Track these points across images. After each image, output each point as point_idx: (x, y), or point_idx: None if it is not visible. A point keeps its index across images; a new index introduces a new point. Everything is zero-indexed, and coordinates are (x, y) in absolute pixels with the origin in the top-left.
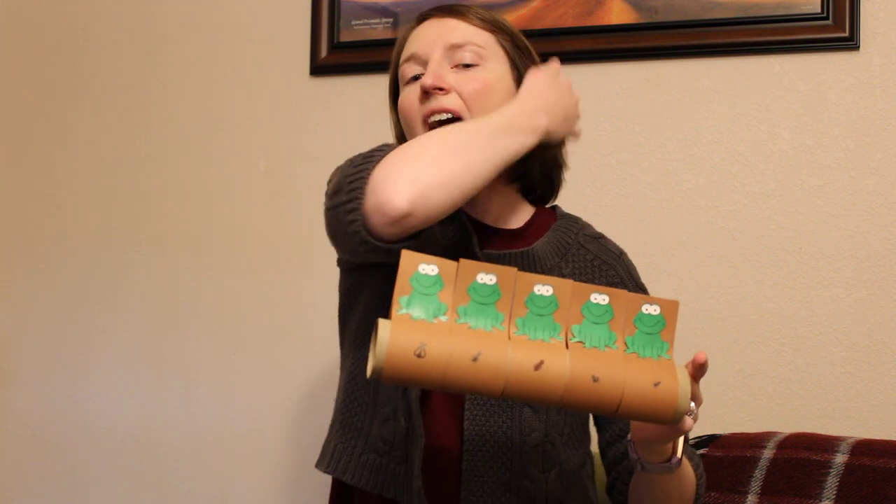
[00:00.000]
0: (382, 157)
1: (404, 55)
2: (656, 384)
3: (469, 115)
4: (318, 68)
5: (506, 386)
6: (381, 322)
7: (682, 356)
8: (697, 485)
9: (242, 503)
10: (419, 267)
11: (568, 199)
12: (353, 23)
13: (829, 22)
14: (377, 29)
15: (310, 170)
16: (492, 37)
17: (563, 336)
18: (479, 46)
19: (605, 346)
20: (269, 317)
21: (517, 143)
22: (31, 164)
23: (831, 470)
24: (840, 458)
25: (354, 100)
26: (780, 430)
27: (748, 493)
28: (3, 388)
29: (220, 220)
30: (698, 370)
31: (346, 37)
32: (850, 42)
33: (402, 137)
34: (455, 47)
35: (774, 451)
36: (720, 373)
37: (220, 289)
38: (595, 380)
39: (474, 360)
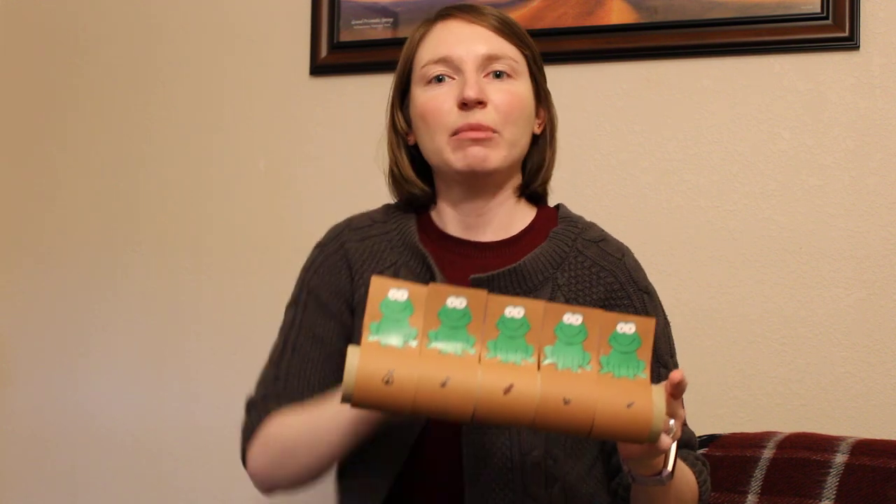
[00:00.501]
0: (257, 421)
1: (431, 55)
2: (629, 405)
3: (502, 131)
4: (318, 68)
5: (476, 410)
6: (351, 349)
7: (682, 357)
8: (700, 492)
9: (242, 503)
10: (389, 292)
11: (568, 199)
12: (353, 23)
13: (829, 22)
14: (377, 29)
15: (310, 170)
16: (520, 52)
17: (535, 358)
18: (514, 60)
19: (579, 366)
20: (269, 317)
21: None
22: (31, 164)
23: (831, 470)
24: (840, 458)
25: (354, 100)
26: (780, 430)
27: (748, 493)
28: (3, 388)
29: (220, 220)
30: (676, 388)
31: (346, 37)
32: (850, 42)
33: (398, 137)
34: (491, 58)
35: (774, 450)
36: (720, 373)
37: (220, 289)
38: (566, 402)
39: (443, 385)
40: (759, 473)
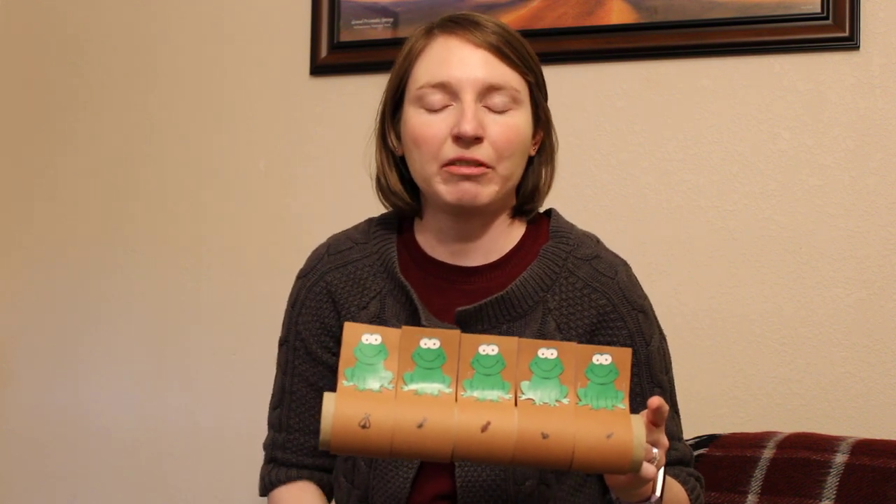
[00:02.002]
0: (271, 477)
1: (428, 77)
2: (609, 436)
3: (497, 167)
4: (318, 68)
5: (454, 450)
6: (327, 395)
7: (682, 357)
8: None
9: (242, 503)
10: (362, 338)
11: (568, 199)
12: (353, 23)
13: (829, 22)
14: (377, 29)
15: (310, 170)
16: (523, 79)
17: (512, 394)
18: (515, 90)
19: (556, 400)
20: (269, 317)
21: None
22: (31, 164)
23: (831, 470)
24: (840, 458)
25: (354, 100)
26: (780, 430)
27: (748, 493)
28: (3, 388)
29: (219, 221)
30: (655, 415)
31: (346, 37)
32: (850, 42)
33: (387, 150)
34: (492, 88)
35: (774, 450)
36: (720, 373)
37: (219, 289)
38: (545, 437)
39: (420, 426)
40: (759, 473)
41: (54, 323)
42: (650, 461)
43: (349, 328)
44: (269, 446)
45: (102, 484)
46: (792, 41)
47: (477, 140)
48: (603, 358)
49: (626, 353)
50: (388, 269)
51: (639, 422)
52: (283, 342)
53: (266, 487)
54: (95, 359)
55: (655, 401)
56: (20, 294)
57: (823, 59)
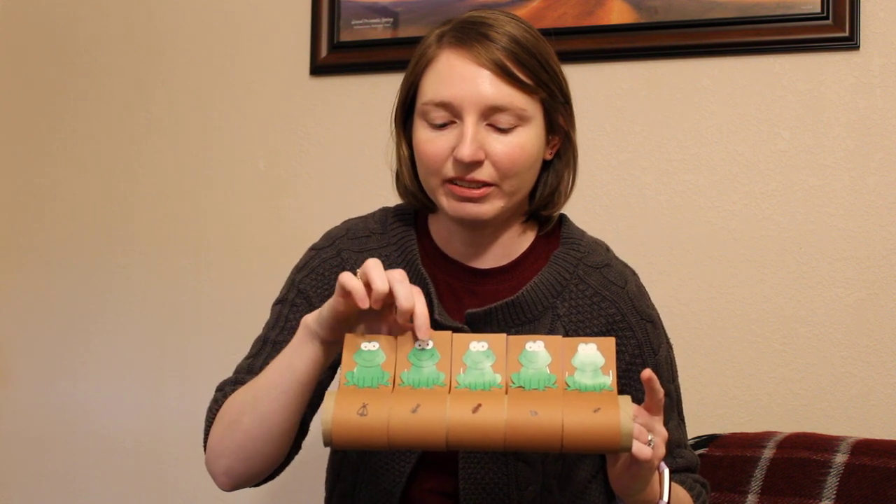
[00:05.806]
0: (221, 400)
1: (432, 94)
2: (596, 410)
3: (501, 184)
4: (318, 68)
5: (448, 433)
6: (328, 392)
7: (682, 357)
8: None
9: (242, 503)
10: (361, 346)
11: (568, 199)
12: (353, 23)
13: (829, 22)
14: (377, 29)
15: (310, 170)
16: (530, 97)
17: (503, 384)
18: (521, 109)
19: (545, 387)
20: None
21: (303, 359)
22: (31, 164)
23: (831, 470)
24: (840, 458)
25: (354, 100)
26: (780, 430)
27: (748, 493)
28: (3, 388)
29: (219, 220)
30: (651, 394)
31: (346, 37)
32: (850, 42)
33: (407, 161)
34: (495, 109)
35: (774, 450)
36: (720, 373)
37: (219, 289)
38: (534, 413)
39: (414, 411)
40: (759, 473)
41: (54, 323)
42: (646, 444)
43: (349, 339)
44: (230, 381)
45: (102, 484)
46: (792, 41)
47: (477, 163)
48: (588, 347)
49: (609, 342)
50: (407, 261)
51: (626, 398)
52: (279, 301)
53: (212, 412)
54: (95, 359)
55: (647, 372)
56: (20, 294)
57: (823, 59)
